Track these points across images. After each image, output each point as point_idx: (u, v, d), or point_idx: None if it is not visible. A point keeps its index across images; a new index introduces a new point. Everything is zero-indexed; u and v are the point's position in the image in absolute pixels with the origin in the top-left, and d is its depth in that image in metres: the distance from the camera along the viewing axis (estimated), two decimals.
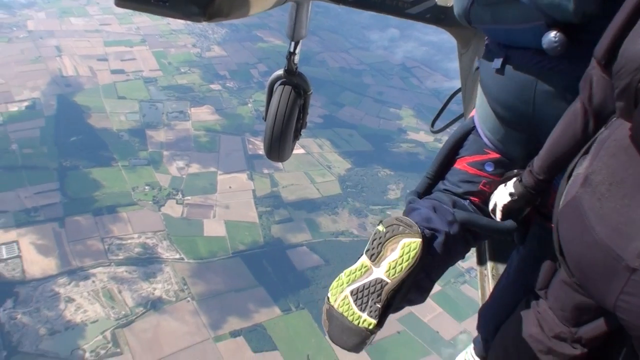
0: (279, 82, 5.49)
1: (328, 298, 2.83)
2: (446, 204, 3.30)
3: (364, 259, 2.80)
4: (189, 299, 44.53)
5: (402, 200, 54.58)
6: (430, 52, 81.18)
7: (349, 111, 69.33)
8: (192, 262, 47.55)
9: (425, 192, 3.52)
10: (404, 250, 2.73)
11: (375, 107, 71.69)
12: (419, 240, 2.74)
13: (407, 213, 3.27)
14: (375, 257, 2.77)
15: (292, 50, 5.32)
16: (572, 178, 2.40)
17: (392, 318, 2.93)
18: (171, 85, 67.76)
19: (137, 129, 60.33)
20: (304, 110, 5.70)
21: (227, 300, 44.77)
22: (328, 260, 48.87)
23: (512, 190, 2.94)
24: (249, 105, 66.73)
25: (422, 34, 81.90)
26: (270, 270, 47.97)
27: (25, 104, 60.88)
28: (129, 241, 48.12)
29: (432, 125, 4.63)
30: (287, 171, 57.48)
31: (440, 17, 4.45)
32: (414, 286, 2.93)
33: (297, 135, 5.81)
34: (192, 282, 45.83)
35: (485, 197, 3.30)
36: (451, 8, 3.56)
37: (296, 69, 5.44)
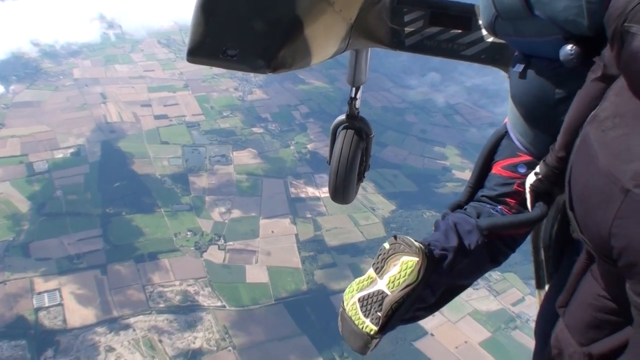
0: (341, 127, 5.76)
1: (342, 302, 3.15)
2: (471, 215, 3.48)
3: (371, 271, 3.10)
4: (230, 348, 43.74)
5: None
6: (474, 96, 79.90)
7: (392, 151, 68.22)
8: (234, 310, 46.85)
9: (467, 200, 3.73)
10: (402, 267, 2.97)
11: (419, 146, 70.71)
12: (416, 259, 2.97)
13: (434, 230, 3.50)
14: (380, 271, 3.05)
15: (353, 95, 5.63)
16: (585, 122, 2.57)
17: None
18: (213, 129, 68.17)
19: (179, 173, 60.53)
20: (366, 153, 5.92)
21: (270, 350, 43.86)
22: None
23: (538, 170, 3.12)
24: (291, 147, 66.59)
25: (465, 77, 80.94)
26: (313, 318, 46.84)
27: (71, 150, 62.08)
28: (171, 288, 47.74)
29: None
30: (331, 214, 56.53)
31: (495, 57, 4.49)
32: (418, 301, 3.11)
33: (360, 178, 6.02)
34: (233, 331, 45.03)
35: (521, 198, 3.44)
36: (505, 45, 3.91)
37: (358, 113, 5.73)
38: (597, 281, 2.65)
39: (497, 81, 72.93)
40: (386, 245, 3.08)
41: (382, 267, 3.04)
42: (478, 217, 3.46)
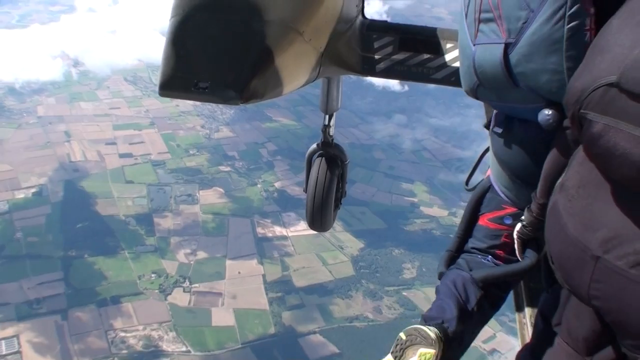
0: (316, 155, 5.79)
1: None
2: (463, 269, 3.71)
3: (390, 358, 3.20)
4: None
5: (418, 280, 53.81)
6: (442, 138, 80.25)
7: (360, 188, 67.39)
8: (199, 355, 45.64)
9: (457, 249, 3.94)
10: (420, 358, 3.12)
11: (387, 183, 70.38)
12: (432, 352, 3.12)
13: (436, 294, 3.68)
14: (399, 359, 3.17)
15: (326, 123, 5.63)
16: (554, 189, 2.76)
17: None
18: (180, 167, 67.28)
19: (144, 214, 59.40)
20: (342, 179, 5.94)
21: None
22: (342, 349, 46.74)
23: (523, 218, 3.31)
24: (259, 185, 65.88)
25: (431, 118, 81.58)
26: None
27: (32, 190, 60.61)
28: (134, 334, 46.42)
29: (466, 183, 4.49)
30: (299, 253, 55.94)
31: None
32: None
33: (337, 205, 6.04)
34: None
35: (510, 249, 3.60)
36: None
37: (332, 140, 5.74)
38: None
39: (465, 122, 73.69)
40: (402, 335, 3.25)
41: (401, 356, 3.19)
42: (470, 270, 3.69)
